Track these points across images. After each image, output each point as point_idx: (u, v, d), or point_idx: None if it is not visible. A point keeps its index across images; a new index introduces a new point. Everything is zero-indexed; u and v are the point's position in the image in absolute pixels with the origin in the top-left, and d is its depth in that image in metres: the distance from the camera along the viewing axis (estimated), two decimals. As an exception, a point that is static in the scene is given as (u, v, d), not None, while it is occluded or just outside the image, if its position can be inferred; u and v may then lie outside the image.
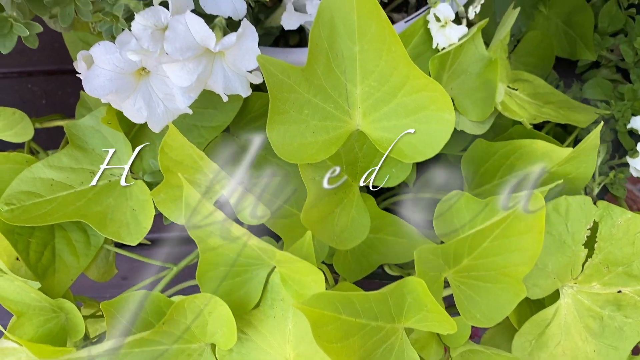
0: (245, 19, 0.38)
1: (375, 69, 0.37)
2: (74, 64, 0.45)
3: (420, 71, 0.37)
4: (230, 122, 0.51)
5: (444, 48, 0.47)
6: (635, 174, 0.57)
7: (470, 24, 0.51)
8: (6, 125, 0.55)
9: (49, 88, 0.86)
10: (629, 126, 0.58)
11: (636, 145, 0.57)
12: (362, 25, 0.36)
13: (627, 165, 0.59)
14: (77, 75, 0.44)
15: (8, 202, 0.49)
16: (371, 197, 0.45)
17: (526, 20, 0.67)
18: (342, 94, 0.38)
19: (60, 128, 0.56)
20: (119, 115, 0.49)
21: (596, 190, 0.59)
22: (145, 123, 0.47)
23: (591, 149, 0.43)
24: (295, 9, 0.47)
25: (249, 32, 0.38)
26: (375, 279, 0.57)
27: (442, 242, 0.45)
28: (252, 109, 0.51)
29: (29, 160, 0.51)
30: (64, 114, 0.91)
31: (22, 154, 0.51)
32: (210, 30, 0.38)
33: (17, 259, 0.49)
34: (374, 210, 0.45)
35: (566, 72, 0.73)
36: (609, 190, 0.62)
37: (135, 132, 0.52)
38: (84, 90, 0.42)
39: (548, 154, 0.49)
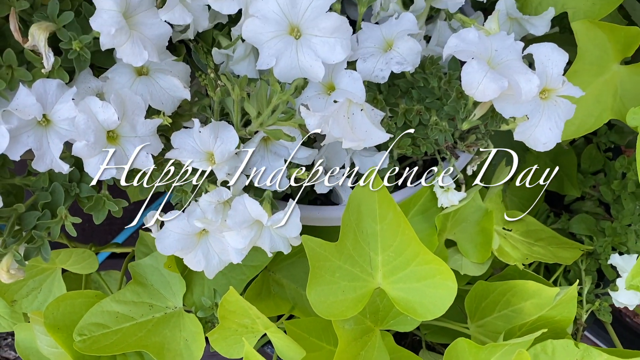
0: (291, 200, 0.49)
1: (392, 244, 0.47)
2: (145, 220, 0.56)
3: (427, 250, 0.46)
4: (268, 262, 0.61)
5: (447, 207, 0.57)
6: (617, 305, 0.66)
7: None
8: (76, 261, 0.65)
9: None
10: (609, 262, 0.67)
11: (617, 278, 0.66)
12: (382, 212, 0.46)
13: (610, 294, 0.67)
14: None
15: (81, 333, 0.58)
16: (389, 335, 0.54)
17: (518, 161, 0.78)
18: (366, 261, 0.48)
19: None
20: (177, 259, 0.59)
21: (584, 317, 0.68)
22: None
23: (571, 299, 0.52)
24: (327, 172, 0.58)
25: (293, 212, 0.49)
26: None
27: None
28: (287, 250, 0.61)
29: (98, 295, 0.61)
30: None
31: (93, 291, 0.61)
32: (264, 210, 0.48)
33: (87, 384, 0.57)
34: (391, 346, 0.53)
35: (556, 202, 0.83)
36: (596, 316, 0.70)
37: (188, 271, 0.61)
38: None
39: (538, 292, 0.58)
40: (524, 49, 0.47)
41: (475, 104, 0.49)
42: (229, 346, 0.53)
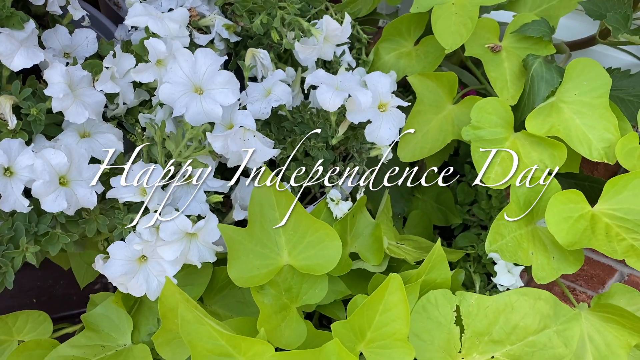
0: (209, 211, 0.62)
1: (290, 223, 0.60)
2: (92, 265, 0.66)
3: (316, 219, 0.60)
4: (203, 292, 0.71)
5: (341, 216, 0.72)
6: (501, 289, 0.79)
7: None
8: (32, 327, 0.72)
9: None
10: (488, 257, 0.81)
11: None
12: (278, 200, 0.61)
13: (497, 286, 0.80)
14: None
15: (38, 380, 0.64)
16: (309, 322, 0.64)
17: (407, 203, 0.95)
18: (273, 242, 0.61)
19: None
20: (123, 299, 0.69)
21: (480, 308, 0.79)
22: (141, 302, 0.68)
23: (441, 260, 0.65)
24: (242, 208, 0.72)
25: (211, 218, 0.62)
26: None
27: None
28: (218, 281, 0.72)
29: (54, 345, 0.68)
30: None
31: (50, 340, 0.68)
32: (189, 220, 0.61)
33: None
34: (311, 329, 0.63)
35: (447, 235, 0.98)
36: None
37: (135, 311, 0.71)
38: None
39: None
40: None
41: (337, 123, 0.67)
42: (172, 350, 0.61)
